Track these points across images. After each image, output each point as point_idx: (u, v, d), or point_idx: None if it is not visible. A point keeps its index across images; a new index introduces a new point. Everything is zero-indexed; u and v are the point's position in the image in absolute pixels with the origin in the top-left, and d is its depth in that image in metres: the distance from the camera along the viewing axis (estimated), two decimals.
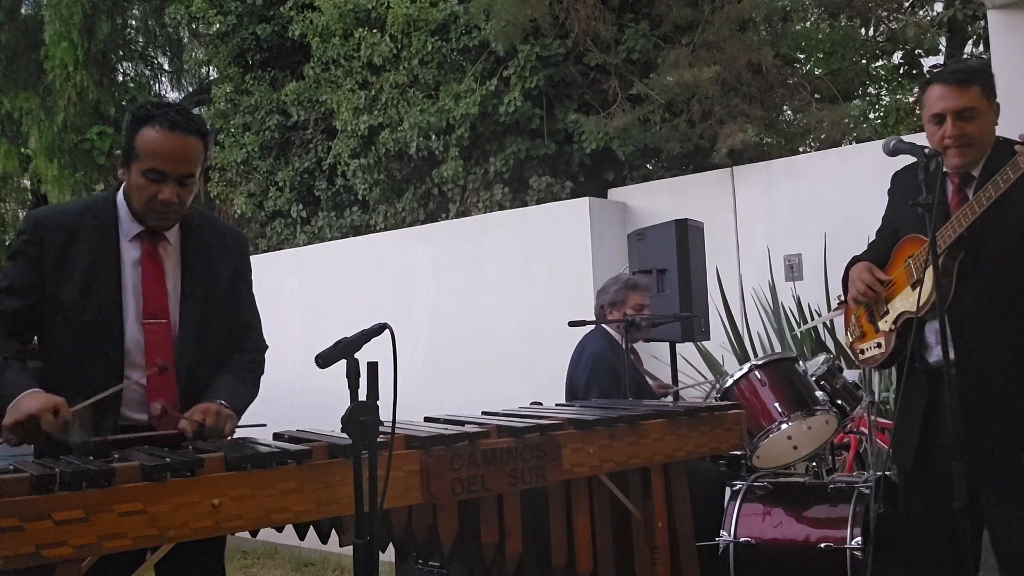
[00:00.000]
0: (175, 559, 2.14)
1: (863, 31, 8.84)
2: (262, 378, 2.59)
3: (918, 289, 2.56)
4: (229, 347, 2.50)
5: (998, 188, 2.39)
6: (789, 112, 8.21)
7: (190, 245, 2.44)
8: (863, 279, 2.68)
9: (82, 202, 2.48)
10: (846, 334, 2.91)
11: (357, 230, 8.59)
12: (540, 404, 3.51)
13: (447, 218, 7.82)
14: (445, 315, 6.38)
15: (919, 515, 2.61)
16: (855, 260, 2.84)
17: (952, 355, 2.47)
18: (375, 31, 8.14)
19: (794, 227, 5.54)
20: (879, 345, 2.71)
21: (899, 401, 2.74)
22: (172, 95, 13.27)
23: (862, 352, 2.80)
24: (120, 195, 2.38)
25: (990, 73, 2.62)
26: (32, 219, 2.37)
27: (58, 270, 2.29)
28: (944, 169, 2.59)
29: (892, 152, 2.54)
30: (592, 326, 3.95)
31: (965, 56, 8.92)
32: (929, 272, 2.48)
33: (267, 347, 2.65)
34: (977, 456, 2.42)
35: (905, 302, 2.62)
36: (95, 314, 2.29)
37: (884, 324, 2.69)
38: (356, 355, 1.97)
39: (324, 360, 2.01)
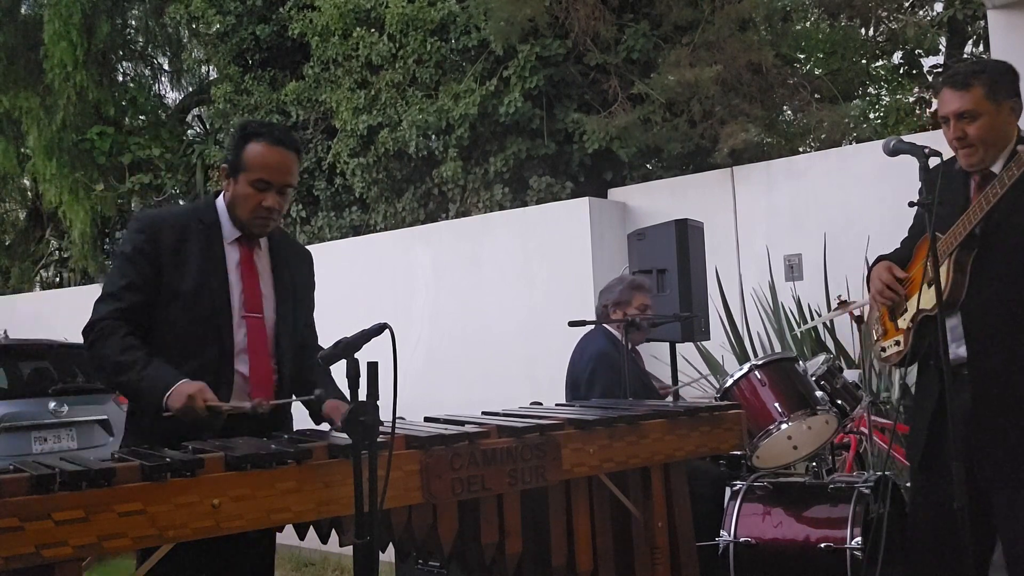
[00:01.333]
0: (229, 549, 2.33)
1: (863, 31, 8.84)
2: None
3: (932, 287, 2.56)
4: (304, 342, 2.77)
5: (1004, 184, 2.41)
6: (789, 112, 8.21)
7: (276, 254, 2.73)
8: (881, 278, 2.69)
9: (186, 207, 2.79)
10: (872, 332, 2.92)
11: (357, 230, 8.58)
12: (540, 404, 3.51)
13: (447, 218, 7.81)
14: (445, 315, 6.38)
15: (921, 513, 2.62)
16: (880, 259, 2.84)
17: (964, 352, 2.49)
18: (373, 31, 8.14)
19: (794, 227, 5.54)
20: (898, 343, 2.73)
21: (915, 399, 2.77)
22: (172, 95, 13.29)
23: (884, 350, 2.81)
24: (220, 202, 2.63)
25: (998, 73, 2.55)
26: (147, 219, 2.58)
27: (175, 265, 2.51)
28: (961, 167, 2.63)
29: (892, 152, 2.56)
30: (593, 326, 3.95)
31: (965, 56, 8.93)
32: (943, 269, 2.51)
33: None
34: (990, 455, 2.43)
35: (922, 300, 2.63)
36: (208, 308, 2.52)
37: (903, 322, 2.70)
38: (356, 355, 1.97)
39: (324, 360, 2.01)
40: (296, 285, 2.76)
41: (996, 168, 2.55)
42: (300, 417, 2.68)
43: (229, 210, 2.60)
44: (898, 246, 2.91)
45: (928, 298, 2.58)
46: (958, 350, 2.53)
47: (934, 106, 9.86)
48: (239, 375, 2.54)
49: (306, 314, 2.83)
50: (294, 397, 2.56)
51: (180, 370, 2.41)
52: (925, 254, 2.60)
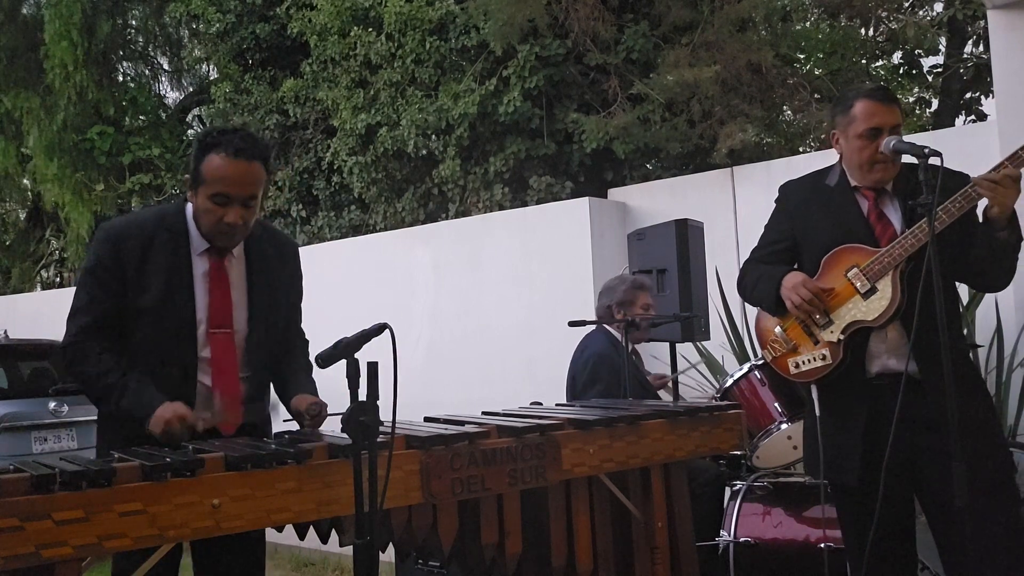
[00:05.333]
0: (217, 549, 2.38)
1: (863, 31, 8.83)
2: None
3: (874, 298, 2.57)
4: (284, 344, 2.70)
5: (952, 215, 2.49)
6: (789, 112, 8.20)
7: (253, 257, 2.61)
8: (807, 287, 2.62)
9: (154, 212, 2.60)
10: (765, 350, 2.82)
11: (356, 230, 8.58)
12: (540, 404, 3.51)
13: (447, 218, 7.81)
14: (445, 315, 6.38)
15: (864, 532, 2.57)
16: (765, 273, 2.80)
17: (914, 367, 2.50)
18: (371, 30, 8.14)
19: None
20: (824, 357, 2.66)
21: (827, 416, 2.69)
22: (172, 95, 13.28)
23: (797, 366, 2.72)
24: (189, 211, 2.53)
25: None
26: (111, 231, 2.50)
27: (139, 279, 2.45)
28: (854, 184, 2.70)
29: (892, 152, 2.56)
30: (593, 326, 3.96)
31: (965, 56, 8.93)
32: (885, 280, 2.52)
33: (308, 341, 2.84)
34: (941, 467, 2.41)
35: (855, 311, 2.60)
36: (172, 323, 2.46)
37: (829, 335, 2.64)
38: (356, 355, 1.97)
39: (324, 360, 2.01)
40: (275, 289, 2.66)
41: (887, 186, 2.67)
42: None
43: (195, 222, 2.51)
44: (759, 250, 2.91)
45: (864, 310, 2.58)
46: (900, 364, 2.54)
47: (929, 108, 9.85)
48: (204, 388, 2.50)
49: (289, 315, 2.75)
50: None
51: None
52: (843, 266, 2.64)
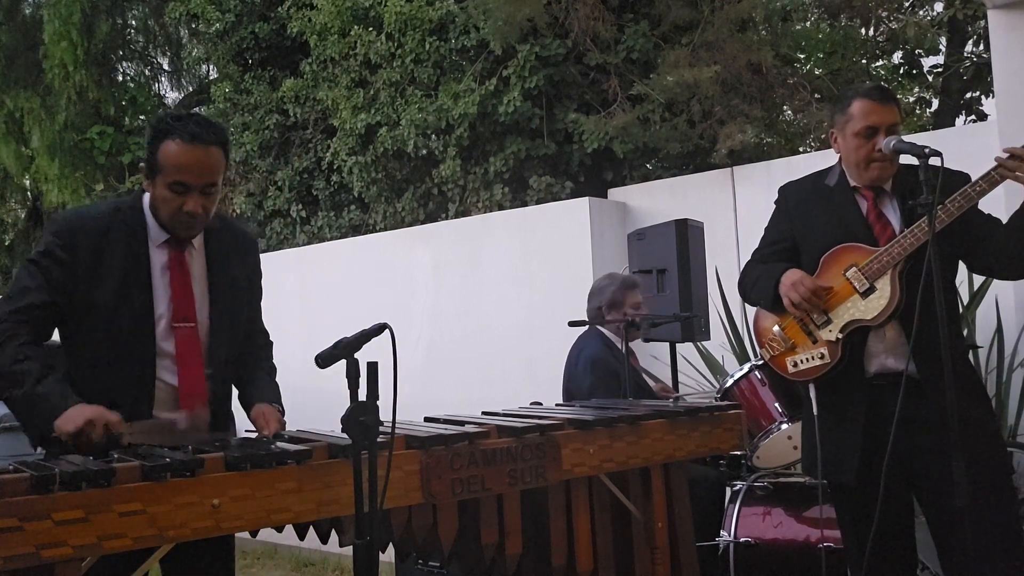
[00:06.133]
0: (184, 557, 2.19)
1: (863, 31, 8.83)
2: None
3: (872, 297, 2.57)
4: (246, 342, 2.61)
5: (951, 215, 2.49)
6: (789, 112, 8.20)
7: (212, 249, 2.51)
8: (806, 285, 2.63)
9: (109, 205, 2.50)
10: (763, 348, 2.82)
11: (356, 230, 8.58)
12: (540, 404, 3.51)
13: (447, 218, 7.81)
14: (445, 315, 6.38)
15: (864, 532, 2.57)
16: (764, 271, 2.81)
17: (914, 366, 2.50)
18: (371, 29, 8.13)
19: None
20: (822, 356, 2.66)
21: (826, 415, 2.68)
22: (172, 95, 13.28)
23: (795, 365, 2.72)
24: (146, 201, 2.42)
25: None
26: (64, 223, 2.38)
27: (92, 274, 2.33)
28: (853, 184, 2.71)
29: (893, 152, 2.56)
30: (587, 327, 3.95)
31: (965, 56, 8.93)
32: (884, 280, 2.52)
33: (272, 342, 2.77)
34: (940, 467, 2.41)
35: (853, 310, 2.61)
36: (128, 318, 2.34)
37: (827, 334, 2.65)
38: (356, 355, 1.97)
39: (324, 360, 2.01)
40: (236, 281, 2.55)
41: (886, 185, 2.68)
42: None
43: (153, 212, 2.40)
44: (759, 251, 2.91)
45: (863, 308, 2.59)
46: (899, 363, 2.54)
47: (931, 105, 9.84)
48: (166, 386, 2.38)
49: (250, 312, 2.64)
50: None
51: (100, 384, 2.29)
52: (842, 265, 2.64)
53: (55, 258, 2.32)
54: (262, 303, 2.73)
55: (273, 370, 2.67)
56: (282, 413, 2.51)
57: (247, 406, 2.54)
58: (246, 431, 2.50)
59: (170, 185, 2.31)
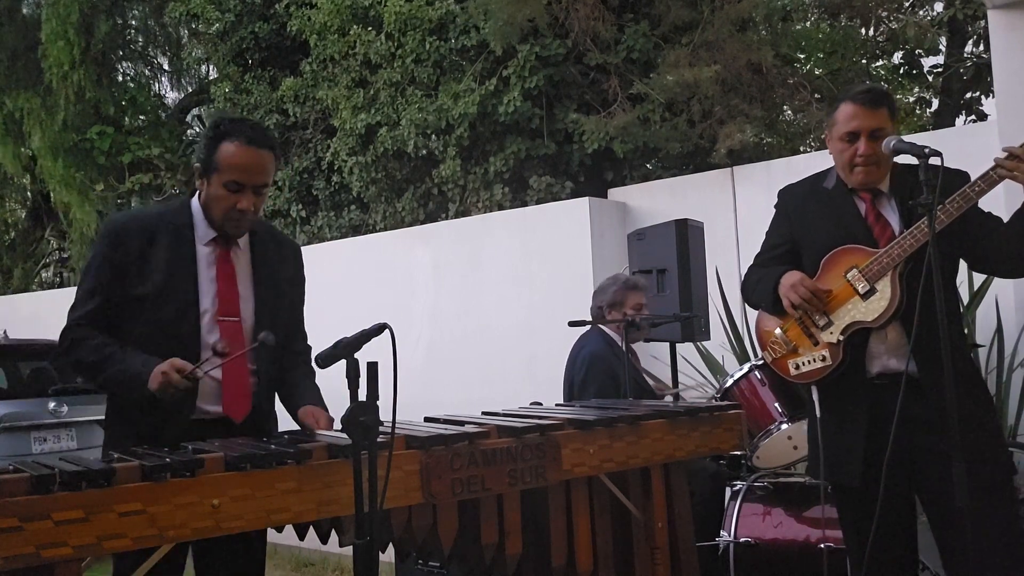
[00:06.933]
0: (217, 558, 2.42)
1: (863, 31, 8.83)
2: None
3: (873, 299, 2.57)
4: (287, 342, 2.70)
5: (950, 215, 2.49)
6: (789, 112, 8.21)
7: (258, 251, 2.64)
8: (806, 286, 2.63)
9: (155, 209, 2.65)
10: (765, 351, 2.82)
11: (356, 230, 8.58)
12: (540, 404, 3.51)
13: (447, 218, 7.81)
14: (445, 315, 6.38)
15: (865, 532, 2.56)
16: (765, 274, 2.80)
17: (915, 367, 2.50)
18: (371, 29, 8.13)
19: None
20: (823, 358, 2.66)
21: (828, 416, 2.69)
22: (172, 95, 13.28)
23: (797, 367, 2.72)
24: (195, 202, 2.57)
25: (892, 97, 2.75)
26: (113, 226, 2.53)
27: (140, 272, 2.46)
28: (849, 186, 2.70)
29: (893, 152, 2.56)
30: (590, 326, 3.95)
31: (965, 56, 8.93)
32: (885, 281, 2.52)
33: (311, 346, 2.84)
34: (941, 467, 2.41)
35: (854, 312, 2.61)
36: (173, 312, 2.46)
37: (829, 336, 2.64)
38: (356, 355, 1.97)
39: (324, 360, 2.01)
40: (279, 282, 2.68)
41: (883, 186, 2.68)
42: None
43: (204, 210, 2.54)
44: (761, 255, 2.90)
45: (864, 310, 2.59)
46: (900, 364, 2.54)
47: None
48: (210, 379, 2.48)
49: (292, 312, 2.76)
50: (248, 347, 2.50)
51: None
52: (843, 267, 2.64)
53: (105, 259, 2.47)
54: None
55: (312, 373, 2.72)
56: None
57: (293, 407, 2.63)
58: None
59: (226, 184, 2.45)
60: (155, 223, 2.51)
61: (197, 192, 2.57)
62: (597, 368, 3.82)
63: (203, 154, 2.49)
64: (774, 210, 2.93)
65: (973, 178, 2.52)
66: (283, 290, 2.69)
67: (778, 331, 2.77)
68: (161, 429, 2.37)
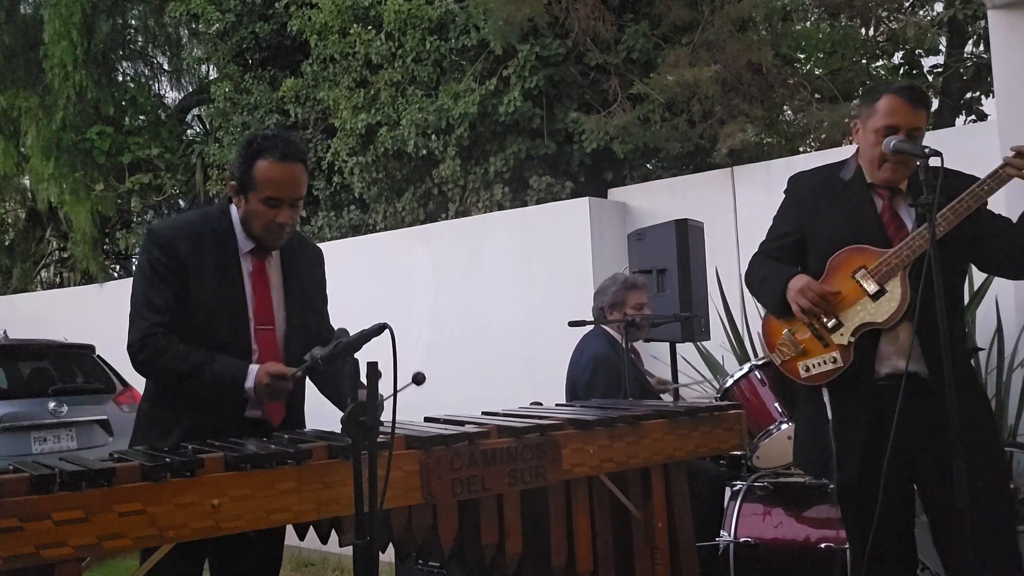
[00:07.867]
0: (232, 557, 2.47)
1: (863, 31, 8.82)
2: None
3: (883, 299, 2.56)
4: (316, 340, 2.70)
5: (959, 215, 2.49)
6: (789, 112, 8.20)
7: (287, 259, 2.72)
8: (813, 289, 2.61)
9: (196, 213, 2.70)
10: (773, 353, 2.78)
11: (356, 230, 8.58)
12: (540, 404, 3.51)
13: (447, 218, 7.81)
14: (445, 315, 6.38)
15: (865, 531, 2.56)
16: (771, 274, 2.78)
17: (921, 367, 2.49)
18: (371, 29, 8.13)
19: None
20: (834, 360, 2.64)
21: (835, 414, 2.67)
22: (172, 95, 13.27)
23: (807, 369, 2.70)
24: (234, 212, 2.62)
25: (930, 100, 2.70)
26: (161, 232, 2.56)
27: (198, 275, 2.52)
28: (869, 181, 2.67)
29: (893, 152, 2.55)
30: (592, 327, 3.95)
31: (965, 56, 8.93)
32: (895, 281, 2.52)
33: None
34: (943, 467, 2.41)
35: (864, 313, 2.59)
36: (226, 320, 2.54)
37: (839, 337, 2.63)
38: (356, 355, 1.97)
39: (323, 360, 2.01)
40: (307, 288, 2.78)
41: (902, 185, 2.66)
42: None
43: (244, 225, 2.60)
44: (767, 242, 2.86)
45: (874, 311, 2.57)
46: (906, 364, 2.52)
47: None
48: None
49: (319, 314, 2.86)
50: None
51: None
52: (850, 268, 2.62)
53: (164, 265, 2.50)
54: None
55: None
56: None
57: (337, 394, 2.69)
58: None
59: (264, 200, 2.51)
60: (200, 229, 2.57)
61: (234, 205, 2.61)
62: (603, 369, 3.82)
63: (239, 172, 2.54)
64: (783, 195, 2.88)
65: (982, 177, 2.51)
66: (311, 296, 2.79)
67: (786, 332, 2.74)
68: (214, 429, 2.40)
